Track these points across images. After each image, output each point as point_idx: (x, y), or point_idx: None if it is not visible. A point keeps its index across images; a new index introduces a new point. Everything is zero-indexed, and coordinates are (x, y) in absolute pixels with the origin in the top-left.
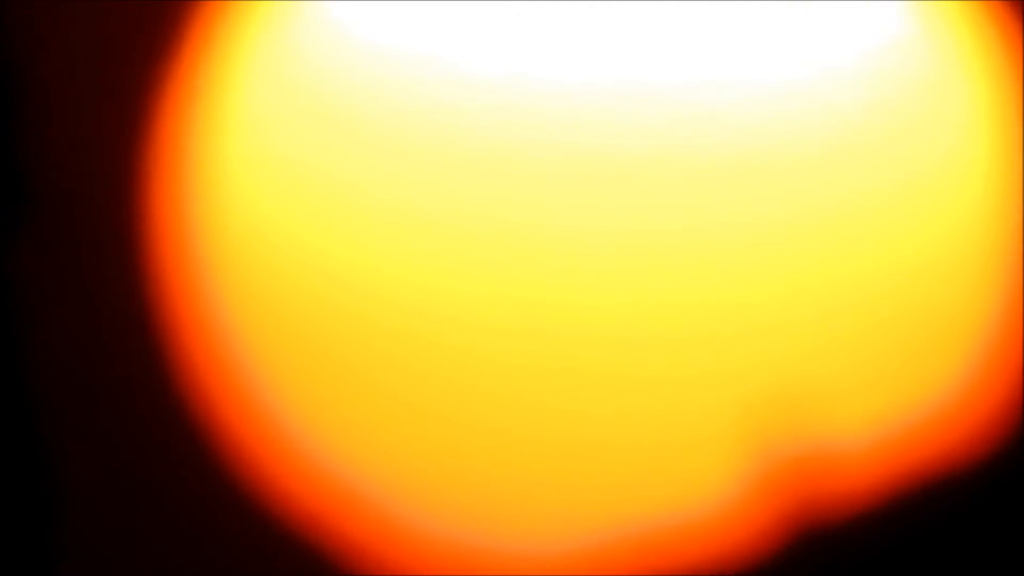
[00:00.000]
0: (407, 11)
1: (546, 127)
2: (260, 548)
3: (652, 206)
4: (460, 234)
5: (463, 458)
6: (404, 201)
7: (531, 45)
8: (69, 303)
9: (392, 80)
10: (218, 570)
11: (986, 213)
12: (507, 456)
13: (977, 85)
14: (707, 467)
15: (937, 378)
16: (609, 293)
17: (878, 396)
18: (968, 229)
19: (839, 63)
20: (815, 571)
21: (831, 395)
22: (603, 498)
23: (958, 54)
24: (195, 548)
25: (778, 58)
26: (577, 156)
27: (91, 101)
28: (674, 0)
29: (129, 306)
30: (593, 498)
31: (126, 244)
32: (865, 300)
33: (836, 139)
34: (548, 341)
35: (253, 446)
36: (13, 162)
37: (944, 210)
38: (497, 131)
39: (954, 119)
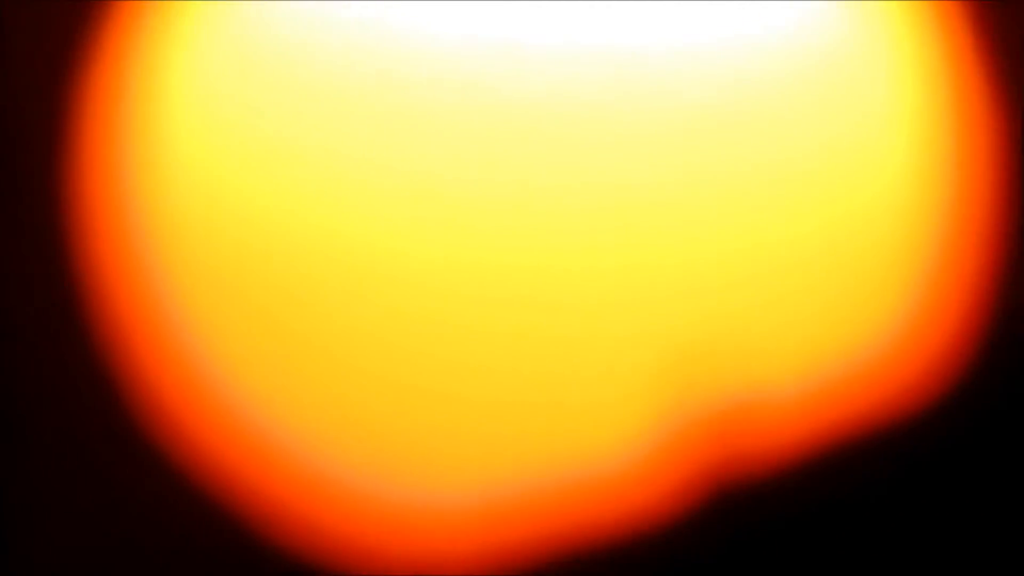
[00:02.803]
0: None
1: (485, 89)
2: (205, 525)
3: (576, 166)
4: (392, 194)
5: (384, 414)
6: (341, 164)
7: (486, 8)
8: (7, 292)
9: (342, 45)
10: (164, 551)
11: (912, 177)
12: (426, 412)
13: (902, 54)
14: (625, 423)
15: (862, 334)
16: (530, 252)
17: (801, 351)
18: (893, 193)
19: (776, 31)
20: (733, 527)
21: (751, 350)
22: (521, 452)
23: (885, 27)
24: (137, 527)
25: (717, 24)
26: (505, 118)
27: (26, 90)
28: None
29: (69, 292)
30: (511, 452)
31: (64, 231)
32: (788, 256)
33: (762, 102)
34: (473, 295)
35: (195, 421)
36: None
37: (867, 174)
38: (437, 92)
39: (882, 85)
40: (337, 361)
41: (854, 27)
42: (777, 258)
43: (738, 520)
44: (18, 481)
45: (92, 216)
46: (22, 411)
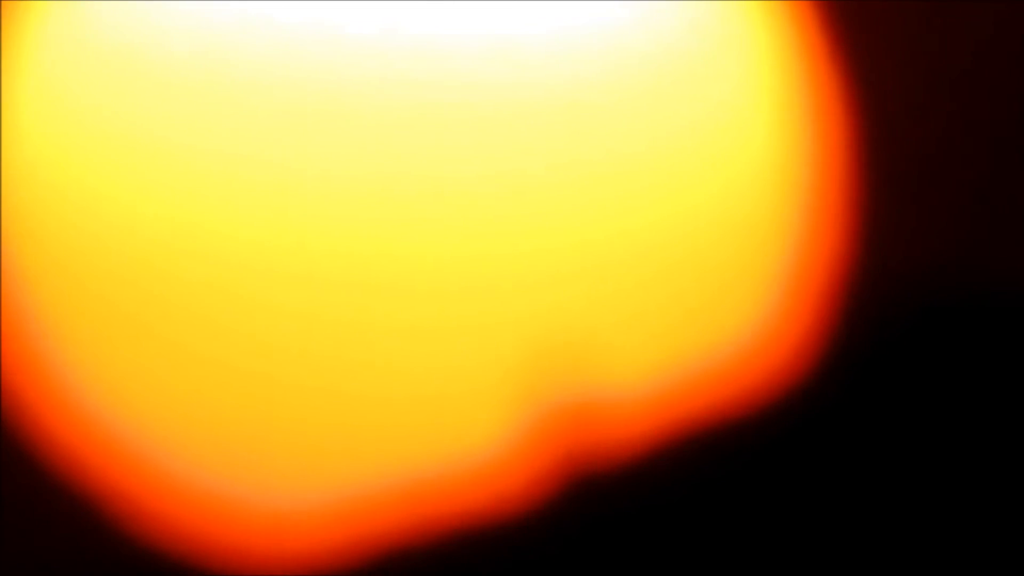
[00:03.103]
0: None
1: (323, 74)
2: (69, 524)
3: (432, 154)
4: (232, 177)
5: (229, 406)
6: (175, 143)
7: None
8: None
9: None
10: None
11: (763, 173)
12: (275, 404)
13: (753, 52)
14: (480, 417)
15: (719, 328)
16: (383, 240)
17: (656, 346)
18: (745, 188)
19: (619, 18)
20: (588, 519)
21: (606, 345)
22: (377, 447)
23: (736, 25)
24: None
25: (558, 11)
26: (352, 106)
27: None
28: None
29: None
30: (367, 447)
31: None
32: (644, 251)
33: (618, 96)
34: (325, 288)
35: (57, 420)
36: None
37: (723, 165)
38: (269, 74)
39: (734, 75)
40: (191, 359)
41: (707, 24)
42: (632, 253)
43: (593, 511)
44: None
45: None
46: None
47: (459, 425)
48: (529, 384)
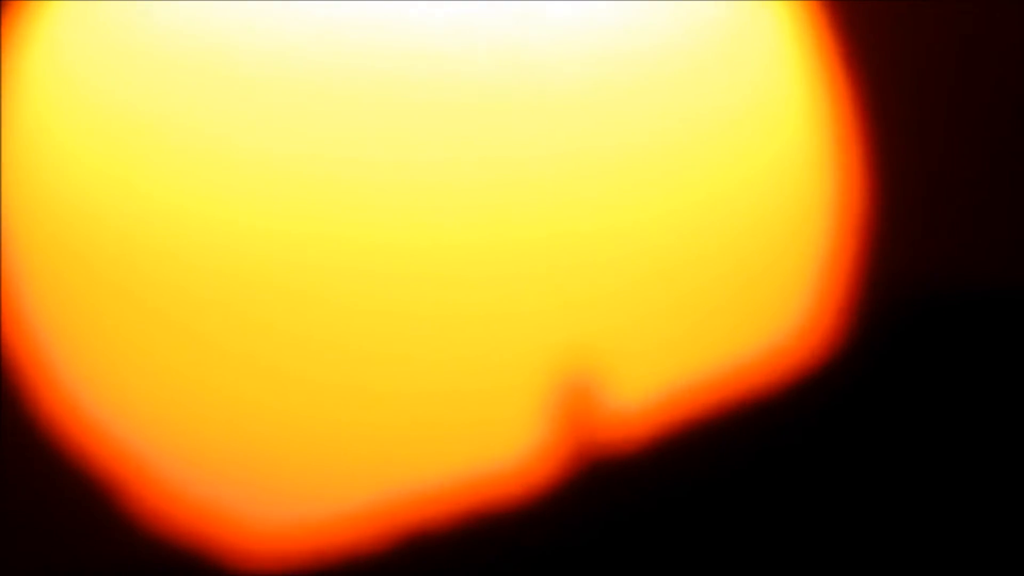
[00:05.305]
0: None
1: (346, 57)
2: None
3: (458, 143)
4: (257, 167)
5: (270, 409)
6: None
7: None
8: None
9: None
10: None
11: (785, 166)
12: (289, 402)
13: (770, 39)
14: (499, 414)
15: (737, 326)
16: (393, 234)
17: (674, 342)
18: (767, 183)
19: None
20: (605, 514)
21: (623, 340)
22: (397, 452)
23: (752, 25)
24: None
25: None
26: (383, 89)
27: None
28: None
29: None
30: (386, 452)
31: None
32: (661, 250)
33: (629, 91)
34: (337, 282)
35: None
36: None
37: (741, 163)
38: (285, 59)
39: (751, 74)
40: (199, 354)
41: (720, 24)
42: (649, 252)
43: (610, 507)
44: None
45: None
46: None
47: (476, 423)
48: (546, 382)
